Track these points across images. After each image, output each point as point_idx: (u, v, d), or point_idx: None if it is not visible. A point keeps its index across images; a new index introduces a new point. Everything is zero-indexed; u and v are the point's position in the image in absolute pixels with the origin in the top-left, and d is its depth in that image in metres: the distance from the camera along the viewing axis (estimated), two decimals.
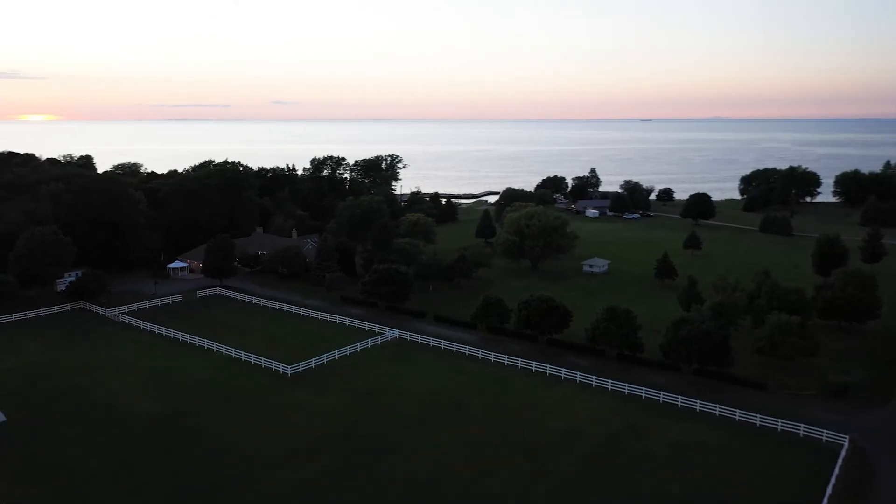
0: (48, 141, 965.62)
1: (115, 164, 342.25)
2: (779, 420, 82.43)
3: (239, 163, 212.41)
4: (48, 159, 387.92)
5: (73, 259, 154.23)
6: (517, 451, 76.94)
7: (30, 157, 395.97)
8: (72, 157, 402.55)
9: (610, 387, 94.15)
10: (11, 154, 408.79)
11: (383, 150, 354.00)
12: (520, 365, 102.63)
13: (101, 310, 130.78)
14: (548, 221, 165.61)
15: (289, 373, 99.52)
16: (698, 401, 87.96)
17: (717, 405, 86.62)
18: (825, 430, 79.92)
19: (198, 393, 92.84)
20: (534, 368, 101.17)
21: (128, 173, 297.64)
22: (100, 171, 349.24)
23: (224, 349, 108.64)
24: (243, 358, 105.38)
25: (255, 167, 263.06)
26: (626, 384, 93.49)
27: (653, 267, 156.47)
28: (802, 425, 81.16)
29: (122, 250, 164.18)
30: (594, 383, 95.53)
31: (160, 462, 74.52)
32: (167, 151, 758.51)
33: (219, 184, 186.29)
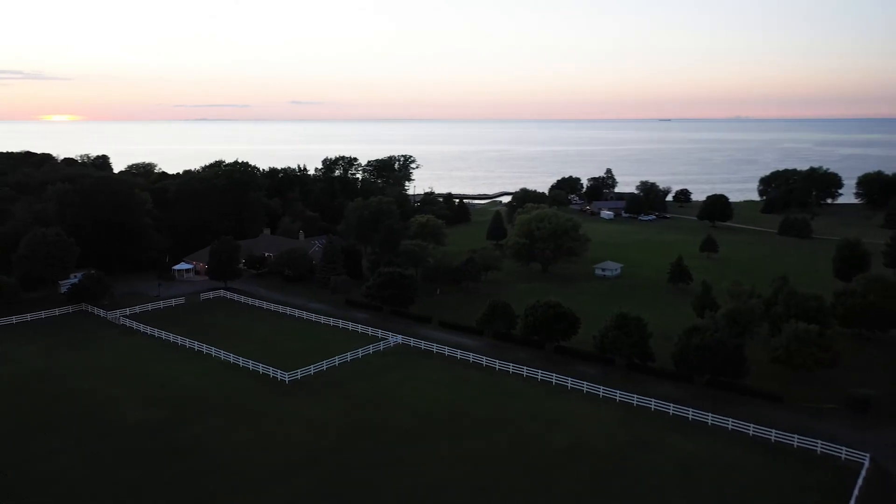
0: (69, 141, 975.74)
1: (130, 163, 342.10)
2: (795, 436, 78.22)
3: (247, 163, 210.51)
4: (65, 159, 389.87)
5: (77, 260, 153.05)
6: (518, 466, 73.56)
7: (46, 157, 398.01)
8: (88, 157, 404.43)
9: (618, 398, 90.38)
10: (28, 154, 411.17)
11: (400, 150, 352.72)
12: (525, 373, 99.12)
13: (102, 312, 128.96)
14: (559, 223, 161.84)
15: (287, 380, 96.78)
16: (710, 414, 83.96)
17: (730, 419, 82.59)
18: (844, 448, 75.62)
19: (192, 401, 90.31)
20: (539, 377, 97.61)
21: (141, 173, 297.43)
22: (115, 170, 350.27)
23: (223, 355, 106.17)
24: (241, 364, 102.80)
25: (274, 167, 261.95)
26: (635, 395, 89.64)
27: (667, 271, 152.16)
28: (820, 442, 76.93)
29: (128, 251, 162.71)
30: (601, 394, 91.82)
31: (147, 474, 71.91)
32: (184, 151, 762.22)
33: (226, 184, 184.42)
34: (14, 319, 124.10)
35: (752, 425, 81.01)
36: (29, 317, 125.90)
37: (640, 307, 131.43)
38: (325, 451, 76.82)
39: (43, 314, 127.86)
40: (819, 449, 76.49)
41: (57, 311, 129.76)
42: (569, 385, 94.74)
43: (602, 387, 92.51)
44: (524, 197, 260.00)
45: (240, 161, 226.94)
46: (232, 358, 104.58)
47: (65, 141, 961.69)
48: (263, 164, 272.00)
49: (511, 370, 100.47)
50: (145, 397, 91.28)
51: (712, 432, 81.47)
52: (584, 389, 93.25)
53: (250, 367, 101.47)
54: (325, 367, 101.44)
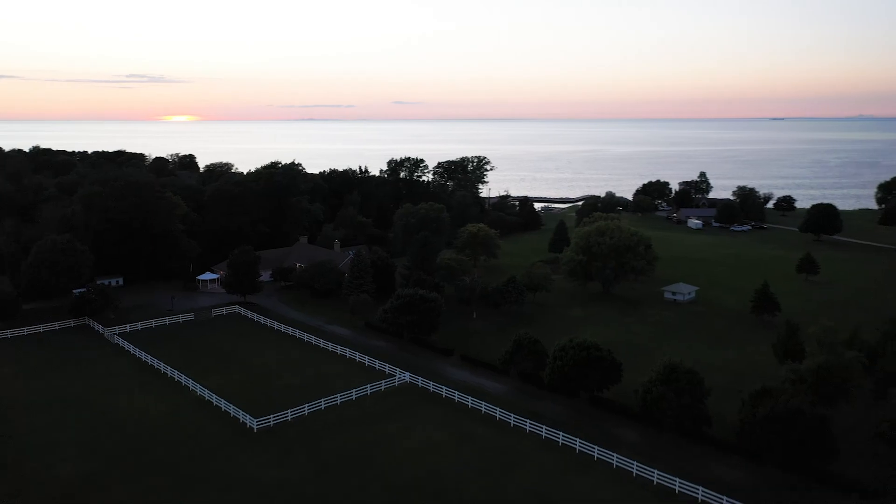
0: (182, 140, 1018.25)
1: (210, 162, 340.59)
2: None
3: (293, 165, 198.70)
4: (155, 158, 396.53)
5: (102, 267, 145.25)
6: None
7: (136, 156, 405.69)
8: (177, 156, 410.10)
9: (655, 479, 69.32)
10: (118, 153, 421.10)
11: (490, 150, 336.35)
12: (544, 434, 79.32)
13: (100, 328, 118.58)
14: (622, 238, 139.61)
15: (255, 427, 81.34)
16: None
17: None
18: None
19: (137, 451, 76.14)
20: (560, 441, 77.65)
21: (216, 173, 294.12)
22: (200, 169, 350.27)
23: (199, 389, 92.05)
24: (214, 402, 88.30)
25: (335, 168, 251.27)
26: (678, 479, 68.30)
27: (751, 298, 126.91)
28: None
29: (156, 258, 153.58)
30: (635, 471, 71.01)
31: None
32: (271, 150, 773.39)
33: (263, 188, 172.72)
34: (9, 333, 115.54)
35: None
36: (26, 331, 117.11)
37: (710, 344, 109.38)
38: None
39: (42, 328, 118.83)
40: None
41: (57, 326, 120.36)
42: (595, 455, 74.39)
43: (636, 462, 71.62)
44: (593, 204, 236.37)
45: (296, 161, 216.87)
46: (207, 394, 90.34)
47: (179, 140, 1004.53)
48: (352, 164, 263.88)
49: (528, 428, 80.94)
50: (89, 441, 78.13)
51: None
52: (614, 463, 72.68)
53: (222, 407, 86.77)
54: (306, 412, 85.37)
